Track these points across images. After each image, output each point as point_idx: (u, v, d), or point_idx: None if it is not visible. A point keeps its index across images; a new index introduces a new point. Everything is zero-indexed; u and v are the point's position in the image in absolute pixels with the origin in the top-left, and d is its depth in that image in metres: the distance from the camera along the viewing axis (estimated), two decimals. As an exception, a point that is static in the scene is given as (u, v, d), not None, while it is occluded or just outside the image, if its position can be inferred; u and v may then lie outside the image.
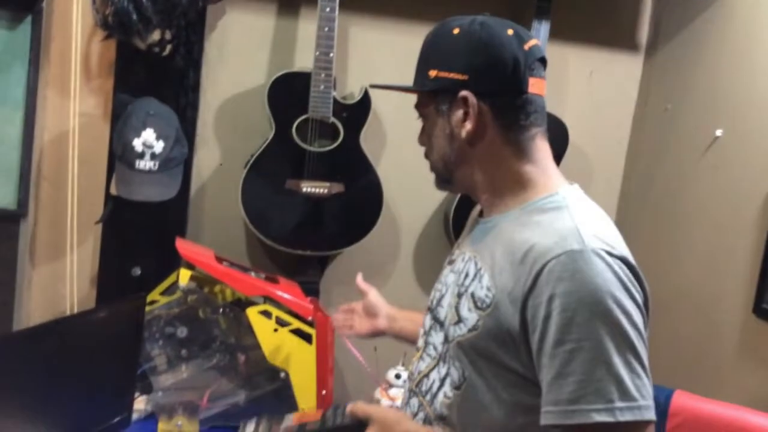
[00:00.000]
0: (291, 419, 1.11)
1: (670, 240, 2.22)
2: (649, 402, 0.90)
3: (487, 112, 1.06)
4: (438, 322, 1.13)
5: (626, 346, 0.89)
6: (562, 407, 0.89)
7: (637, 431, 0.90)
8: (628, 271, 0.94)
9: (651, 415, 0.90)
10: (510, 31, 1.07)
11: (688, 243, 2.13)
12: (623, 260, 0.95)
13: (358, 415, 1.05)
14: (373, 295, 1.54)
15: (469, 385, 1.03)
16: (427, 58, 1.10)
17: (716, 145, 2.04)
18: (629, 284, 0.93)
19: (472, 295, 1.04)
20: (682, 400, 1.47)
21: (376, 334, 1.53)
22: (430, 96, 1.10)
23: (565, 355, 0.89)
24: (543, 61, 1.10)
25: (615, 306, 0.90)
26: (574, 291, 0.90)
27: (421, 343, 1.18)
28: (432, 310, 1.18)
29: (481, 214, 1.18)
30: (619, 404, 0.87)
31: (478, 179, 1.10)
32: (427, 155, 1.16)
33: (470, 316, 1.02)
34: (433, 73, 1.07)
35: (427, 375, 1.12)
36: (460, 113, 1.06)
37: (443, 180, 1.15)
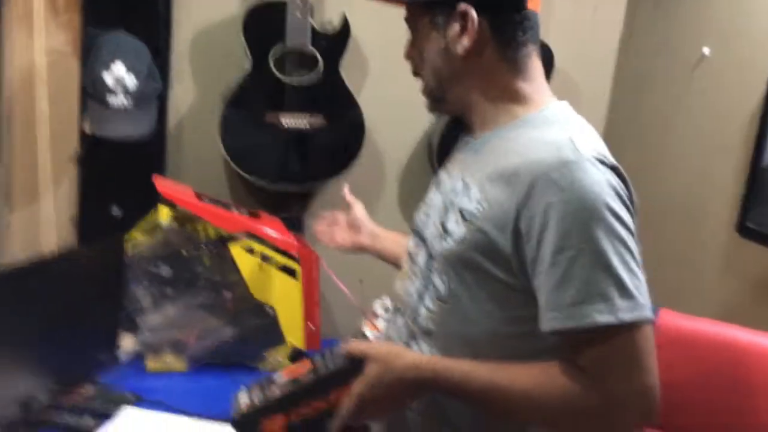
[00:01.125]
0: (282, 376, 1.05)
1: (656, 160, 2.21)
2: (647, 301, 0.92)
3: (486, 28, 1.03)
4: (422, 240, 1.13)
5: (624, 248, 0.91)
6: (564, 312, 0.90)
7: (638, 330, 0.91)
8: (618, 179, 0.96)
9: (650, 313, 0.91)
10: None
11: (675, 162, 2.12)
12: (614, 169, 0.96)
13: (353, 355, 1.00)
14: (359, 210, 1.51)
15: (454, 297, 1.03)
16: None
17: (704, 63, 2.00)
18: (621, 192, 0.94)
19: (460, 209, 1.03)
20: (667, 318, 1.48)
21: (358, 249, 1.51)
22: (426, 7, 1.05)
23: (566, 261, 0.90)
24: None
25: (610, 212, 0.91)
26: (571, 200, 0.91)
27: (407, 264, 1.17)
28: (417, 231, 1.17)
29: (468, 135, 1.16)
30: (619, 303, 0.89)
31: (472, 97, 1.08)
32: (416, 72, 1.12)
33: (457, 229, 1.02)
34: None
35: (409, 293, 1.12)
36: (457, 27, 1.03)
37: (436, 99, 1.11)
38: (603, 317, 0.88)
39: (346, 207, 1.52)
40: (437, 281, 1.05)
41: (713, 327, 1.44)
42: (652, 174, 2.21)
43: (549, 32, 2.30)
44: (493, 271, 0.99)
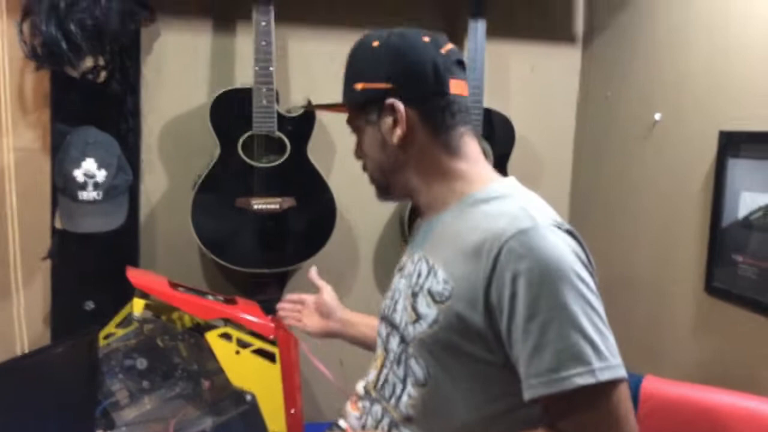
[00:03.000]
0: None
1: (620, 224, 2.26)
2: (620, 360, 0.94)
3: (414, 116, 1.10)
4: (394, 326, 1.13)
5: (591, 310, 0.93)
6: (544, 378, 0.91)
7: (615, 389, 0.92)
8: (575, 242, 0.99)
9: (624, 372, 0.93)
10: (426, 38, 1.11)
11: (638, 227, 2.17)
12: (570, 233, 1.00)
13: None
14: (328, 294, 1.51)
15: (434, 380, 1.03)
16: (351, 73, 1.15)
17: (657, 128, 2.08)
18: (581, 254, 0.98)
19: (429, 291, 1.04)
20: (652, 385, 1.48)
21: (327, 335, 1.50)
22: (359, 109, 1.14)
23: (539, 328, 0.92)
24: (461, 63, 1.14)
25: (575, 275, 0.94)
26: (534, 266, 0.93)
27: (380, 351, 1.17)
28: (387, 318, 1.17)
29: (421, 218, 1.20)
30: (597, 365, 0.90)
31: (414, 182, 1.14)
32: (364, 168, 1.20)
33: (429, 312, 1.03)
34: (359, 85, 1.12)
35: (386, 380, 1.12)
36: (389, 121, 1.10)
37: (382, 189, 1.18)
38: (582, 379, 0.90)
39: (315, 291, 1.52)
40: (414, 366, 1.05)
41: (697, 392, 1.44)
42: (618, 237, 2.26)
43: (509, 105, 2.39)
44: (471, 350, 0.99)
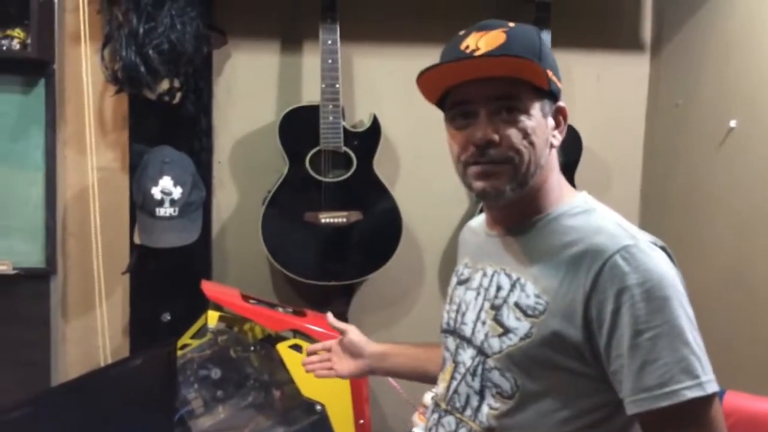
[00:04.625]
0: None
1: (694, 236, 2.19)
2: (713, 375, 0.94)
3: None
4: (464, 339, 1.13)
5: (692, 326, 0.94)
6: (653, 392, 0.91)
7: (716, 402, 0.94)
8: (670, 259, 0.99)
9: (717, 387, 0.94)
10: None
11: (713, 237, 2.10)
12: (664, 249, 1.00)
13: None
14: (354, 333, 1.41)
15: (522, 393, 1.02)
16: (543, 56, 1.03)
17: (731, 136, 2.02)
18: (676, 270, 0.98)
19: (517, 305, 1.03)
20: (734, 400, 1.43)
21: (362, 374, 1.42)
22: (540, 95, 1.03)
23: (648, 343, 0.92)
24: None
25: (677, 290, 0.94)
26: (641, 282, 0.93)
27: (449, 364, 1.17)
28: (453, 332, 1.17)
29: (487, 228, 1.18)
30: (704, 378, 0.91)
31: (540, 190, 1.07)
32: (509, 156, 1.02)
33: (521, 325, 1.02)
34: (551, 74, 1.03)
35: (457, 392, 1.12)
36: (552, 122, 1.06)
37: (521, 184, 1.03)
38: (692, 392, 0.90)
39: (340, 334, 1.41)
40: (498, 379, 1.04)
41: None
42: (691, 250, 2.19)
43: (575, 115, 2.36)
44: (565, 363, 0.99)
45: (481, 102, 1.02)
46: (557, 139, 1.06)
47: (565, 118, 1.07)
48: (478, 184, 1.04)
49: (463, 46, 1.02)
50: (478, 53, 1.00)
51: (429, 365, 1.32)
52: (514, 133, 1.01)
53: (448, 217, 2.39)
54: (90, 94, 2.10)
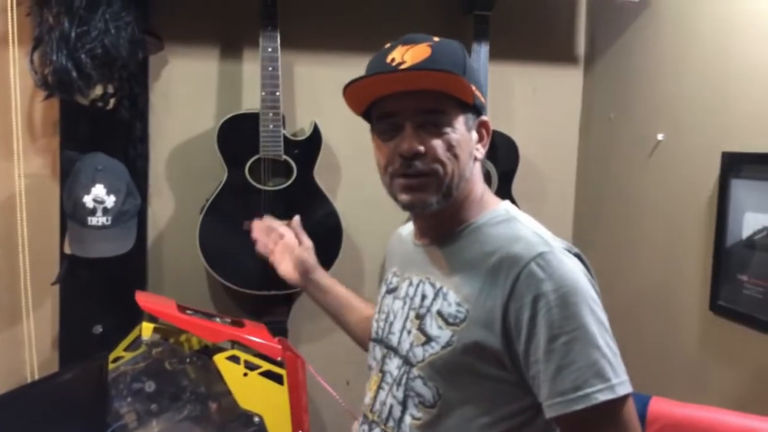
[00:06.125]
0: None
1: (625, 244, 2.27)
2: (626, 375, 0.98)
3: None
4: (391, 348, 1.14)
5: (604, 330, 0.97)
6: (568, 396, 0.94)
7: (628, 403, 0.97)
8: (583, 266, 1.03)
9: (630, 388, 0.97)
10: None
11: (643, 246, 2.18)
12: (578, 256, 1.04)
13: None
14: (309, 253, 1.43)
15: (446, 401, 1.04)
16: (469, 71, 1.06)
17: (659, 149, 2.10)
18: (590, 275, 1.02)
19: (439, 313, 1.05)
20: (659, 406, 1.48)
21: (293, 284, 1.45)
22: (464, 109, 1.06)
23: (562, 347, 0.95)
24: None
25: (589, 296, 0.98)
26: (555, 288, 0.96)
27: (375, 374, 1.18)
28: (381, 340, 1.18)
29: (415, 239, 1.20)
30: (615, 381, 0.95)
31: (464, 201, 1.10)
32: (434, 168, 1.04)
33: (443, 333, 1.04)
34: (474, 88, 1.05)
35: (383, 402, 1.12)
36: (476, 135, 1.10)
37: (446, 196, 1.06)
38: (604, 395, 0.93)
39: (299, 242, 1.44)
40: (421, 388, 1.06)
41: (705, 413, 1.44)
42: (622, 257, 2.27)
43: (513, 126, 2.41)
44: (485, 369, 1.01)
45: (406, 115, 1.04)
46: (480, 152, 1.10)
47: (488, 132, 1.10)
48: (404, 197, 1.07)
49: (389, 59, 1.03)
50: (403, 66, 1.01)
51: (351, 316, 1.40)
52: (439, 146, 1.04)
53: (388, 224, 2.37)
54: (18, 98, 2.02)
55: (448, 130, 1.04)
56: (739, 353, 1.76)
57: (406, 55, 1.03)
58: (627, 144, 2.28)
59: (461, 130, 1.06)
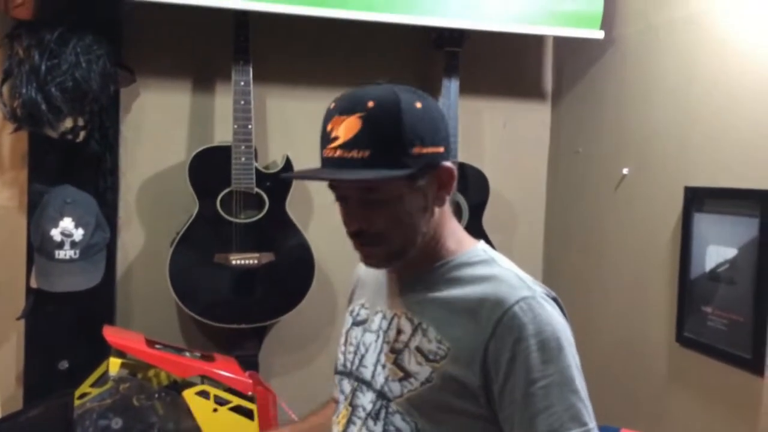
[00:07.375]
0: None
1: (593, 275, 2.30)
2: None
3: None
4: (363, 382, 1.13)
5: (580, 374, 1.00)
6: None
7: None
8: (560, 310, 1.05)
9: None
10: None
11: (610, 277, 2.22)
12: (556, 300, 1.06)
13: None
14: None
15: None
16: (405, 140, 1.01)
17: (625, 183, 2.14)
18: (566, 320, 1.04)
19: (418, 350, 1.05)
20: (627, 439, 1.50)
21: None
22: (410, 176, 1.02)
23: (541, 391, 0.96)
24: None
25: (568, 342, 1.00)
26: (536, 333, 0.98)
27: (344, 408, 1.17)
28: (350, 374, 1.17)
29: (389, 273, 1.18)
30: (591, 425, 0.97)
31: (434, 244, 1.10)
32: (377, 239, 1.05)
33: (422, 370, 1.04)
34: (416, 150, 1.01)
35: None
36: (435, 185, 1.06)
37: (397, 257, 1.07)
38: None
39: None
40: (400, 423, 1.06)
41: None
42: (590, 289, 2.30)
43: (483, 160, 2.45)
44: (463, 406, 1.02)
45: (349, 192, 1.05)
46: (442, 199, 1.07)
47: (451, 176, 1.06)
48: (361, 258, 1.09)
49: (329, 128, 1.03)
50: (336, 144, 1.01)
51: None
52: (382, 221, 1.03)
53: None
54: (-15, 130, 2.01)
55: (391, 203, 1.03)
56: (705, 384, 1.79)
57: (340, 129, 1.01)
58: (594, 177, 2.32)
59: (408, 198, 1.03)
